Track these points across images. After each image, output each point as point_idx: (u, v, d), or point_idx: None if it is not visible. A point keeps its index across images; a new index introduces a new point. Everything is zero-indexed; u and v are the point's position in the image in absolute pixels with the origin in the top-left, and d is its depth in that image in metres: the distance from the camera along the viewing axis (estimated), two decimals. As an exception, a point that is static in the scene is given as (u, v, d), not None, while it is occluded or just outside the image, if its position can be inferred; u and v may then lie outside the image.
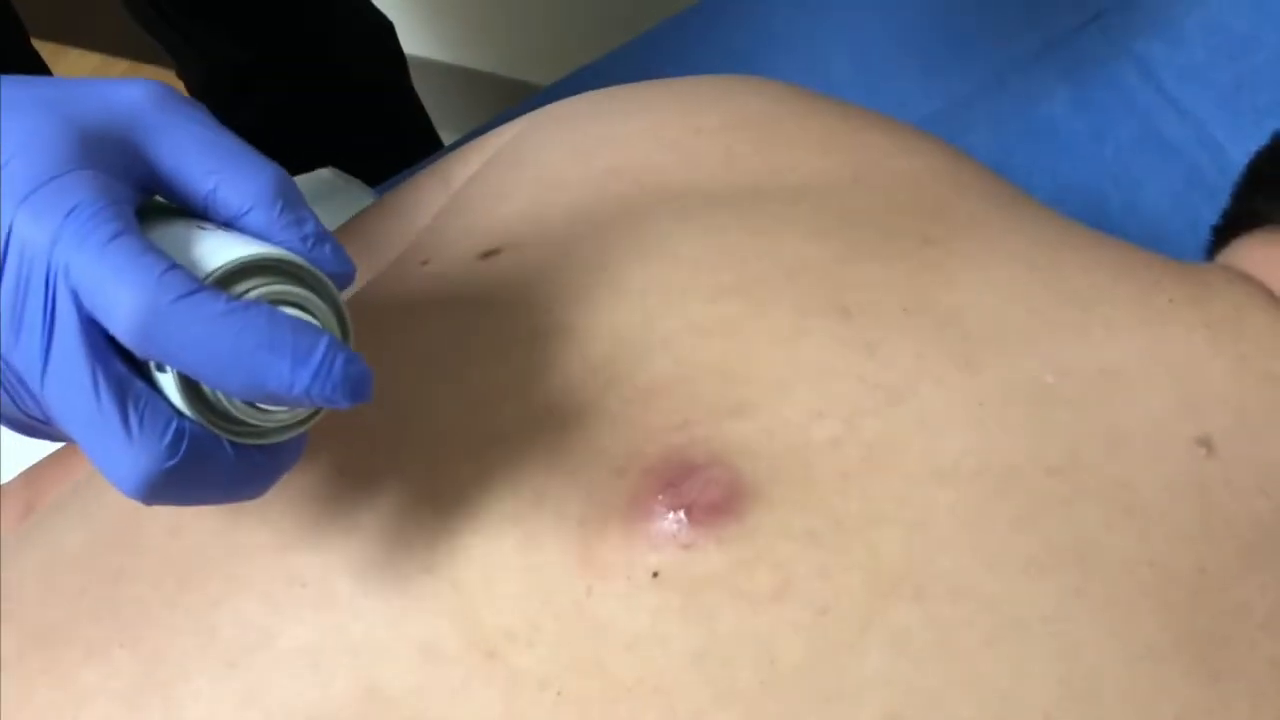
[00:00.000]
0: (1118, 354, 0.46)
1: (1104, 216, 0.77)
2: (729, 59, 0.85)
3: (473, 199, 0.57)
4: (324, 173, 0.86)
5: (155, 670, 0.44)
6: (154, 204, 0.40)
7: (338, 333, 0.38)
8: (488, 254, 0.51)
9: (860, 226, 0.50)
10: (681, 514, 0.42)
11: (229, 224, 0.39)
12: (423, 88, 1.22)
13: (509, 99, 1.52)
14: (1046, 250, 0.50)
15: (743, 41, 0.86)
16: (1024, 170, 0.79)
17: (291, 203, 0.39)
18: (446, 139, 1.26)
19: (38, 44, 0.81)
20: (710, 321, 0.46)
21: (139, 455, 0.36)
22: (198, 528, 0.45)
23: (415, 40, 1.44)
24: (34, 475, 0.60)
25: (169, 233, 0.38)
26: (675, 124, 0.55)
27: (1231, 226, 0.57)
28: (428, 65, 1.50)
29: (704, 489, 0.42)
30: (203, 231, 0.38)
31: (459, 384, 0.47)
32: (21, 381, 0.37)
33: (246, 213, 0.38)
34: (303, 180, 0.86)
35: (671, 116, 0.56)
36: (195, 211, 0.39)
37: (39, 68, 0.82)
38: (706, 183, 0.52)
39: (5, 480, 0.61)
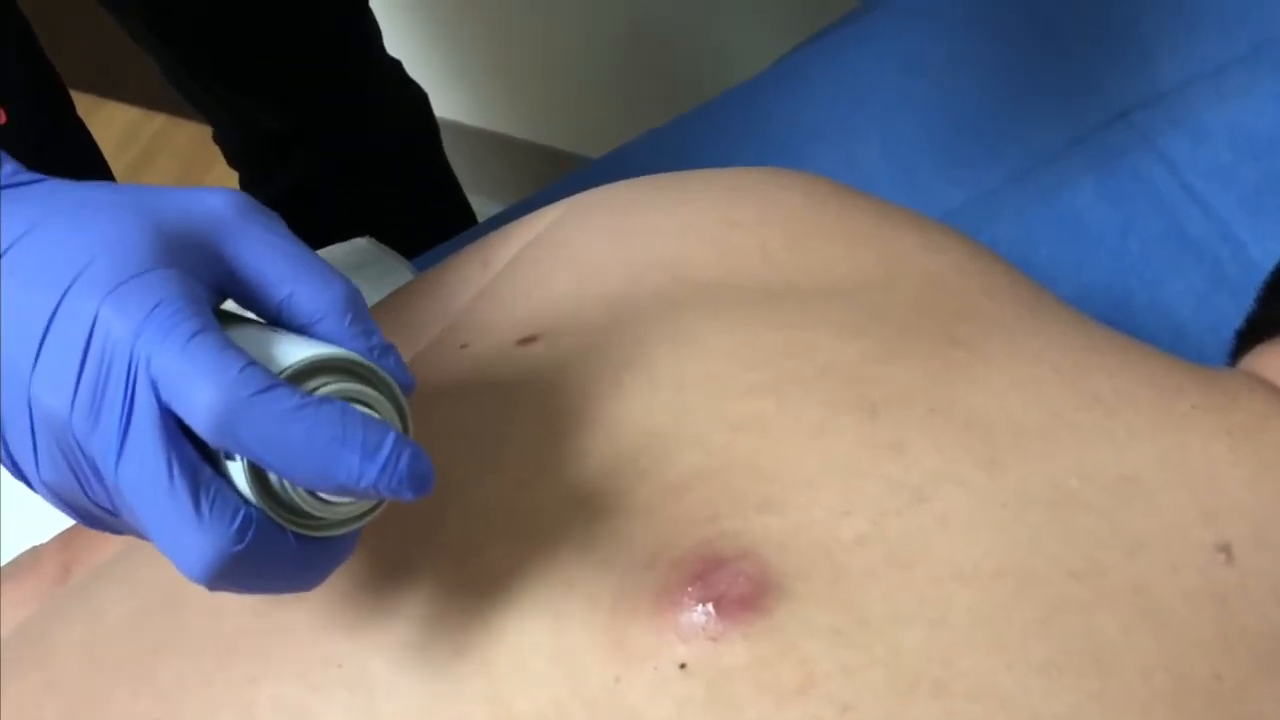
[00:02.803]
0: (1139, 460, 0.47)
1: (1128, 312, 0.78)
2: (765, 145, 0.87)
3: (512, 283, 0.58)
4: (361, 242, 0.88)
5: None
6: (225, 310, 0.41)
7: (400, 428, 0.40)
8: (525, 340, 0.53)
9: (888, 325, 0.51)
10: (710, 606, 0.43)
11: (300, 330, 0.41)
12: (452, 151, 1.24)
13: (539, 165, 1.54)
14: (1071, 353, 0.51)
15: (778, 129, 0.87)
16: (1048, 263, 0.80)
17: (361, 315, 0.41)
18: (476, 204, 1.28)
19: (76, 95, 0.83)
20: (742, 417, 0.47)
21: (208, 539, 0.37)
22: (237, 606, 0.47)
23: (447, 105, 1.47)
24: (70, 538, 0.62)
25: (243, 332, 0.40)
26: (711, 218, 0.57)
27: (1254, 332, 0.58)
28: (458, 129, 1.52)
29: (733, 582, 0.43)
30: (274, 333, 0.40)
31: (494, 470, 0.48)
32: (94, 469, 0.38)
33: (319, 320, 0.40)
34: (339, 249, 0.87)
35: (708, 210, 0.57)
36: (266, 315, 0.41)
37: (85, 140, 0.83)
38: (740, 277, 0.54)
39: (5, 560, 0.62)
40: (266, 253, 0.41)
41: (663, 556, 0.44)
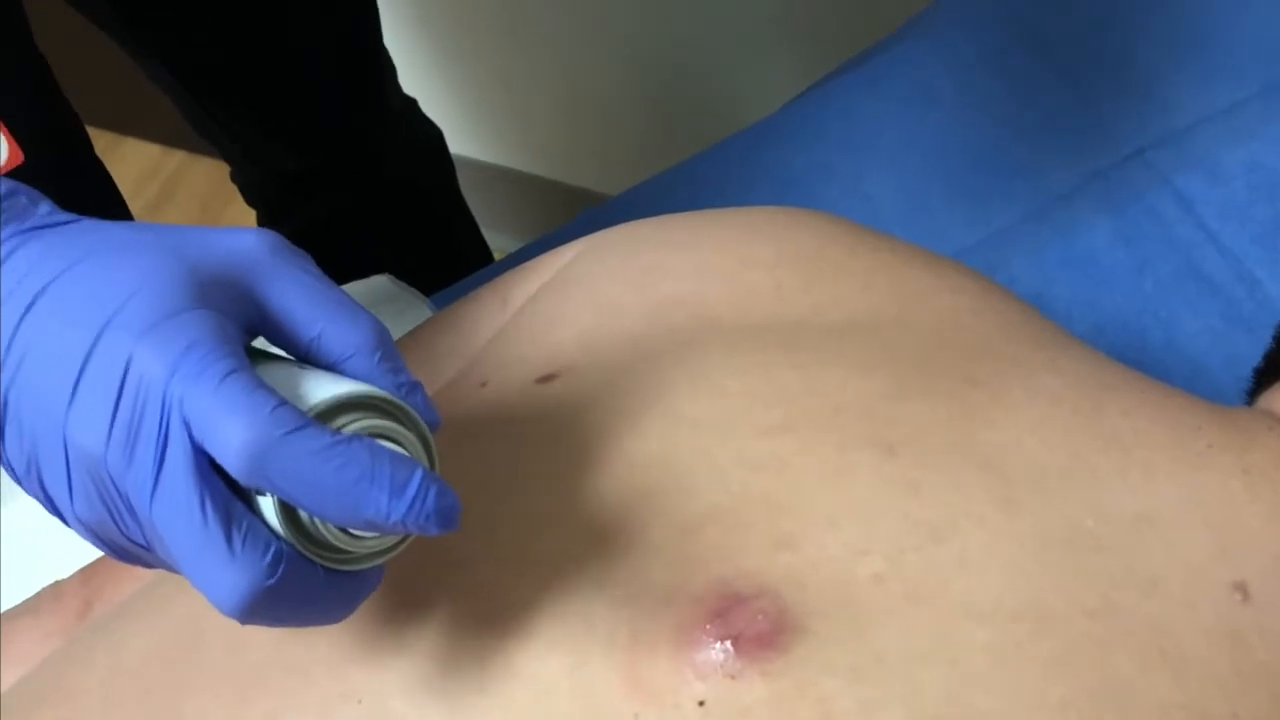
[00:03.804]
0: (1155, 500, 0.47)
1: (1144, 351, 0.78)
2: (779, 184, 0.87)
3: (531, 321, 0.59)
4: (380, 279, 0.88)
5: None
6: (256, 348, 0.42)
7: (427, 464, 0.41)
8: (544, 379, 0.53)
9: (905, 364, 0.52)
10: (728, 644, 0.43)
11: (330, 367, 0.41)
12: (469, 189, 1.25)
13: (555, 203, 1.55)
14: (1087, 392, 0.51)
15: (792, 168, 0.88)
16: (1064, 300, 0.80)
17: (389, 352, 0.41)
18: (493, 241, 1.29)
19: (95, 132, 0.84)
20: (760, 456, 0.47)
21: (240, 574, 0.38)
22: (258, 641, 0.47)
23: (462, 142, 1.48)
24: (92, 573, 0.62)
25: (274, 370, 0.40)
26: (728, 257, 0.57)
27: (1272, 370, 0.58)
28: (474, 167, 1.53)
29: (751, 620, 0.43)
30: (303, 371, 0.41)
31: (513, 507, 0.48)
32: (128, 505, 0.39)
33: (348, 358, 0.41)
34: (359, 286, 0.88)
35: (724, 249, 0.58)
36: (296, 353, 0.42)
37: (103, 178, 0.84)
38: (756, 316, 0.54)
39: (7, 606, 0.63)
40: (297, 292, 0.42)
41: (681, 593, 0.44)
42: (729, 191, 0.88)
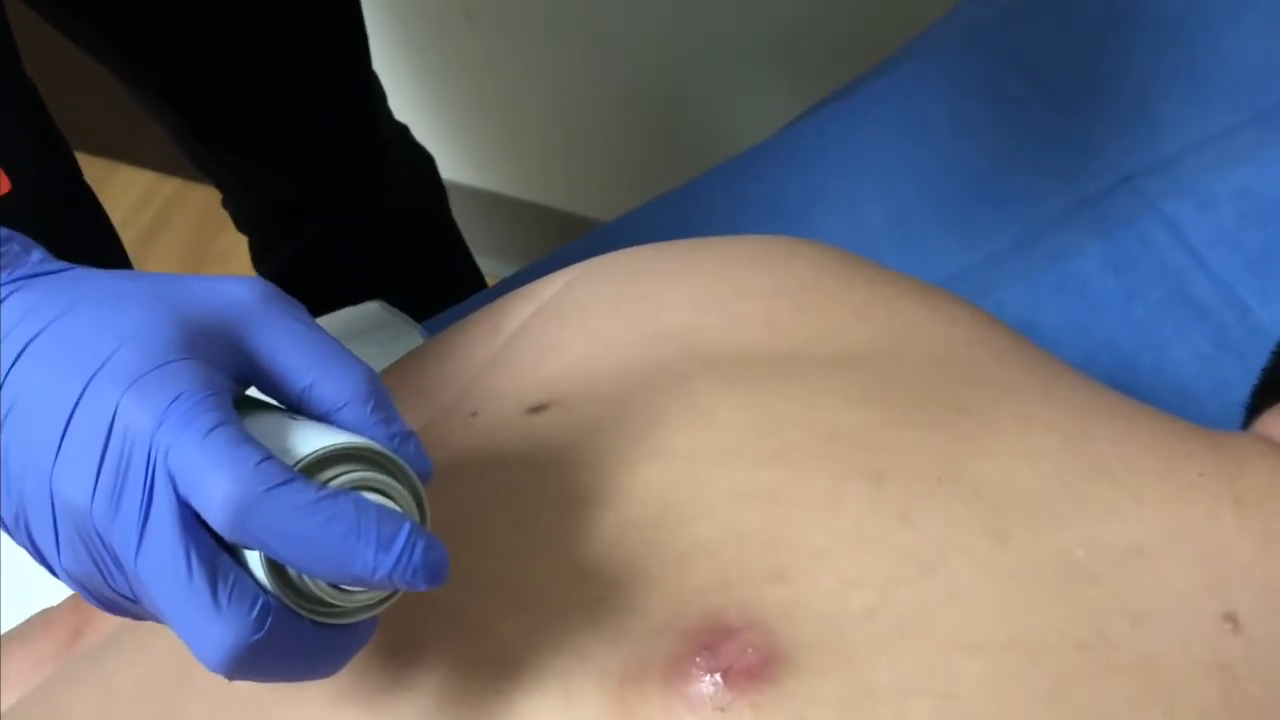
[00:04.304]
0: (1145, 530, 0.47)
1: (1134, 376, 0.78)
2: (771, 210, 0.88)
3: (522, 350, 0.59)
4: (372, 306, 0.88)
5: None
6: (248, 396, 0.42)
7: (417, 516, 0.40)
8: (535, 409, 0.53)
9: (898, 394, 0.52)
10: (718, 677, 0.43)
11: (322, 417, 0.41)
12: (461, 214, 1.25)
13: (548, 229, 1.55)
14: (1079, 420, 0.52)
15: (785, 195, 0.88)
16: (1054, 326, 0.80)
17: (382, 402, 0.41)
18: (485, 267, 1.29)
19: (87, 160, 0.83)
20: (753, 488, 0.47)
21: (226, 629, 0.38)
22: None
23: (455, 168, 1.48)
24: (81, 601, 0.62)
25: (263, 421, 0.40)
26: (720, 287, 0.57)
27: (1267, 394, 0.58)
28: (467, 193, 1.54)
29: (740, 653, 0.43)
30: (293, 421, 0.41)
31: (503, 542, 0.48)
32: (114, 559, 0.39)
33: (340, 409, 0.41)
34: (351, 313, 0.88)
35: (717, 279, 0.58)
36: (287, 403, 0.42)
37: (92, 207, 0.84)
38: (748, 347, 0.54)
39: (6, 629, 0.63)
40: (288, 341, 0.41)
41: (672, 626, 0.44)
42: (723, 218, 0.88)
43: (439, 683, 0.45)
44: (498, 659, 0.45)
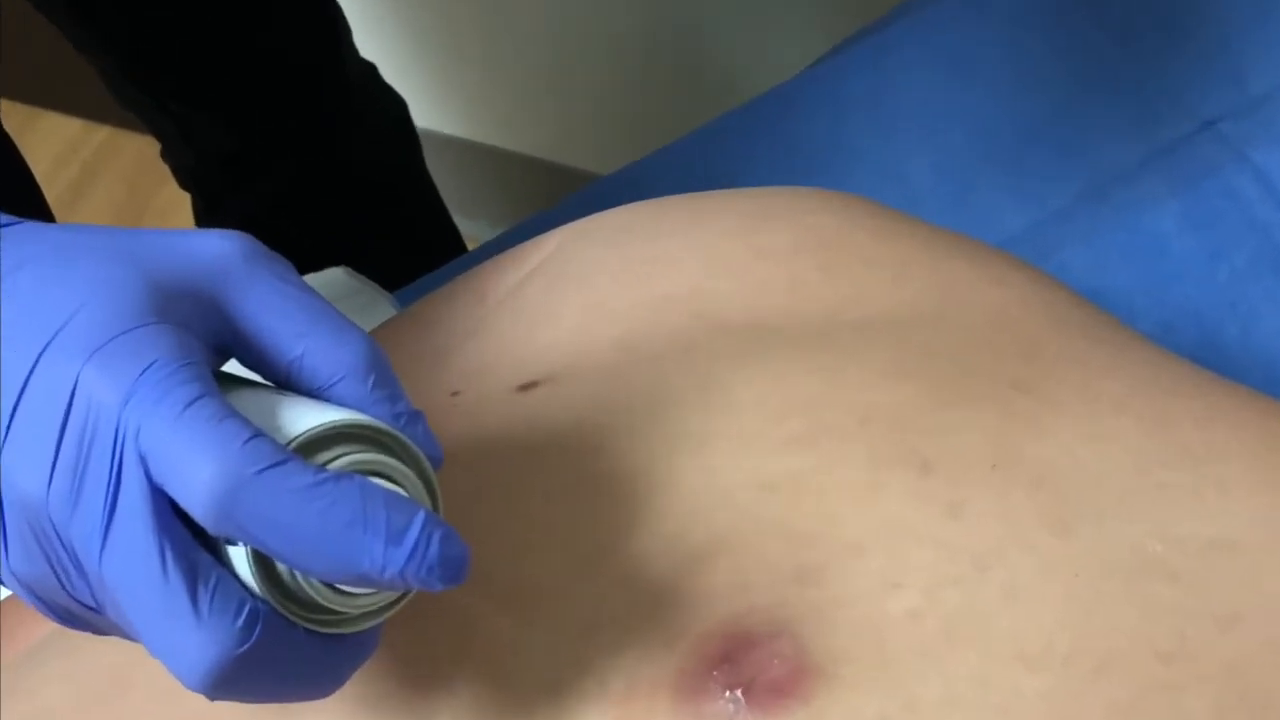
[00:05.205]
0: (1232, 522, 0.47)
1: (1217, 349, 0.78)
2: (796, 162, 0.88)
3: (509, 321, 0.59)
4: (336, 273, 0.88)
5: None
6: (225, 373, 0.42)
7: (429, 505, 0.40)
8: (526, 386, 0.53)
9: (942, 367, 0.52)
10: (739, 693, 0.43)
11: (314, 393, 0.40)
12: (437, 168, 1.25)
13: (538, 184, 1.55)
14: (1153, 398, 0.52)
15: (811, 145, 0.88)
16: (1126, 294, 0.80)
17: (385, 377, 0.41)
18: (466, 229, 1.29)
19: (12, 106, 0.83)
20: (776, 475, 0.48)
21: (208, 640, 0.37)
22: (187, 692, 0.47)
23: (430, 114, 1.48)
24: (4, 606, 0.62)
25: (247, 398, 0.40)
26: (736, 245, 0.57)
27: None
28: (444, 142, 1.53)
29: (766, 665, 0.43)
30: (282, 397, 0.40)
31: (491, 535, 0.48)
32: (74, 559, 0.38)
33: (336, 383, 0.40)
34: (312, 281, 0.88)
35: (732, 236, 0.58)
36: (274, 377, 0.41)
37: (11, 156, 0.84)
38: (770, 314, 0.54)
39: None
40: (275, 305, 0.41)
41: (684, 635, 0.44)
42: (737, 170, 0.88)
43: (418, 690, 0.45)
44: (484, 664, 0.45)
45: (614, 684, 0.44)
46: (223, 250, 0.41)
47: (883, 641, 0.44)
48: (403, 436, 0.40)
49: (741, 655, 0.44)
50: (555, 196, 0.99)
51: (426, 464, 0.40)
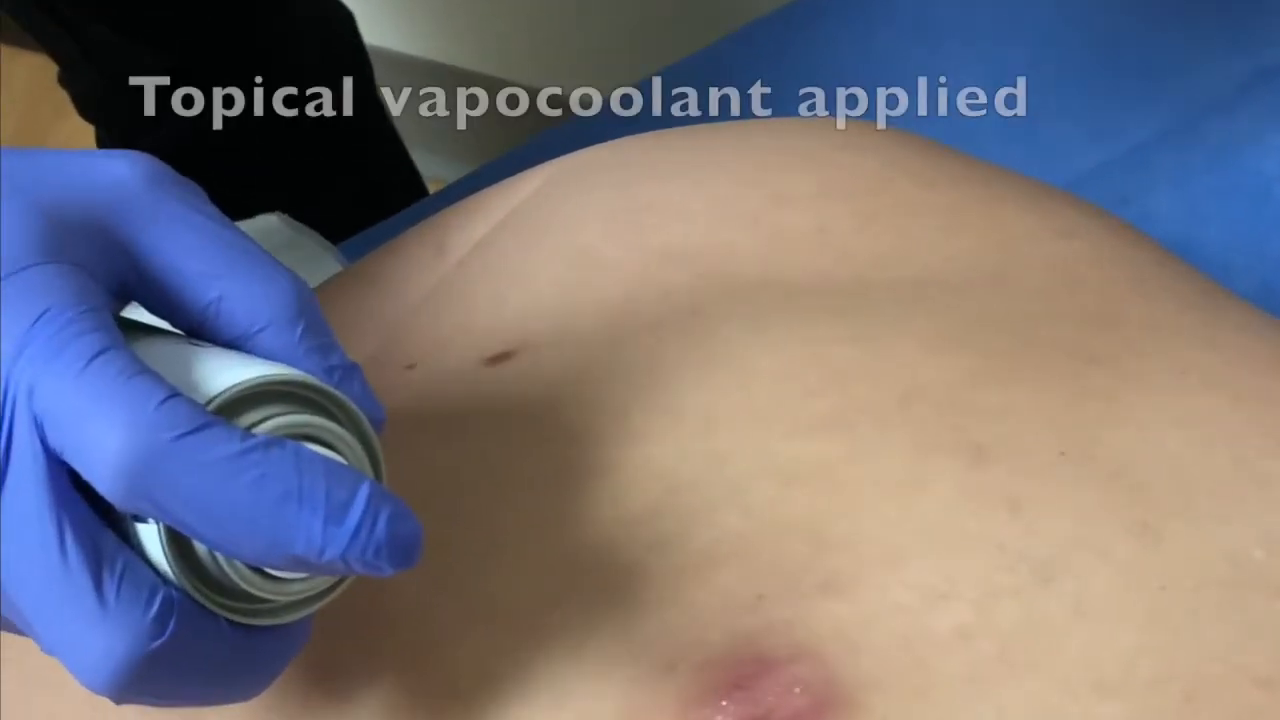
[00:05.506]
0: None
1: (1331, 316, 0.78)
2: (824, 87, 0.87)
3: (477, 279, 0.59)
4: (270, 219, 0.89)
5: None
6: (126, 318, 0.42)
7: (371, 475, 0.40)
8: (497, 358, 0.53)
9: (1000, 336, 0.52)
10: (753, 727, 0.43)
11: (233, 344, 0.41)
12: (388, 92, 1.25)
13: (512, 114, 1.55)
14: (1254, 374, 0.52)
15: (841, 65, 0.88)
16: (1221, 246, 0.81)
17: (316, 325, 0.41)
18: (425, 167, 1.29)
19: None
20: (797, 464, 0.48)
21: (114, 634, 0.37)
22: None
23: (382, 30, 1.47)
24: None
25: (156, 349, 0.40)
26: (751, 190, 0.57)
27: None
28: (399, 63, 1.53)
29: (784, 694, 0.43)
30: (196, 348, 0.40)
31: (454, 539, 0.48)
32: None
33: (259, 331, 0.41)
34: (243, 229, 0.88)
35: (747, 178, 0.58)
36: (185, 324, 0.41)
37: None
38: (792, 272, 0.55)
39: None
40: (188, 240, 0.41)
41: (687, 656, 0.44)
42: (750, 99, 0.88)
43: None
44: (444, 698, 0.45)
45: (600, 713, 0.44)
46: (122, 175, 0.42)
47: (925, 666, 0.44)
48: (339, 394, 0.40)
49: (755, 682, 0.44)
50: (532, 129, 0.99)
51: (368, 426, 0.41)
